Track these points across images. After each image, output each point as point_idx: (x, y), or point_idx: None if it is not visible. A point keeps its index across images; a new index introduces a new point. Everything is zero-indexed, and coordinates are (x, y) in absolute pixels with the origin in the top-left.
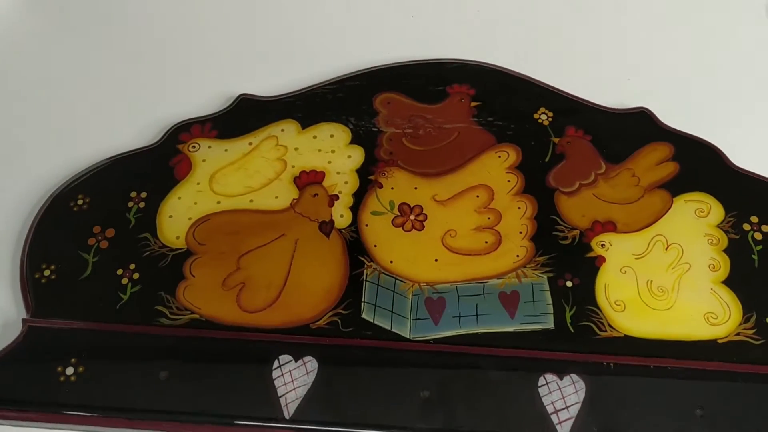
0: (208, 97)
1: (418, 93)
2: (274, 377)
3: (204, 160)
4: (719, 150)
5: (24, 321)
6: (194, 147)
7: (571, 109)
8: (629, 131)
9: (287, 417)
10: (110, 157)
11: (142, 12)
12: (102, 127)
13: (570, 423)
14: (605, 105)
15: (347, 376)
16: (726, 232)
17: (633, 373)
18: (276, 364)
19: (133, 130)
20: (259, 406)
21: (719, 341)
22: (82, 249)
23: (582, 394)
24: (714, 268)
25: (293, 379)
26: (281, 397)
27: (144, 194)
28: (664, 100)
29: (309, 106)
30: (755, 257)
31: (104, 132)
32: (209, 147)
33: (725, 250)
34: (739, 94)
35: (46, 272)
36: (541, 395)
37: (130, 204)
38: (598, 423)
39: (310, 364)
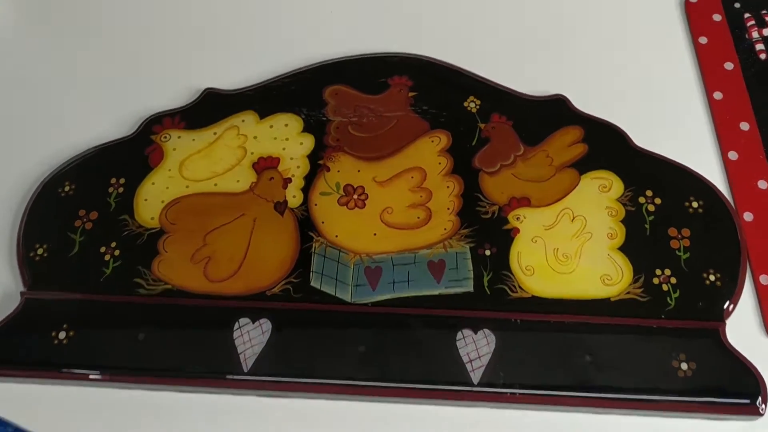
0: (177, 91)
1: (363, 84)
2: (234, 337)
3: (174, 149)
4: (623, 132)
5: (22, 294)
6: (166, 137)
7: (497, 97)
8: (546, 116)
9: (246, 370)
10: (92, 148)
11: (116, 17)
12: (83, 121)
13: (482, 370)
14: (527, 93)
15: (296, 335)
16: (624, 204)
17: (536, 327)
18: (236, 326)
19: (112, 122)
20: (222, 361)
21: (612, 299)
22: (69, 230)
23: (493, 346)
24: (612, 236)
25: (251, 338)
26: (240, 353)
27: (122, 180)
28: (580, 88)
29: (266, 98)
30: (647, 226)
31: (85, 125)
32: (179, 137)
33: (622, 221)
34: (646, 82)
35: (39, 251)
36: (458, 348)
37: (111, 189)
38: (505, 369)
39: (265, 325)
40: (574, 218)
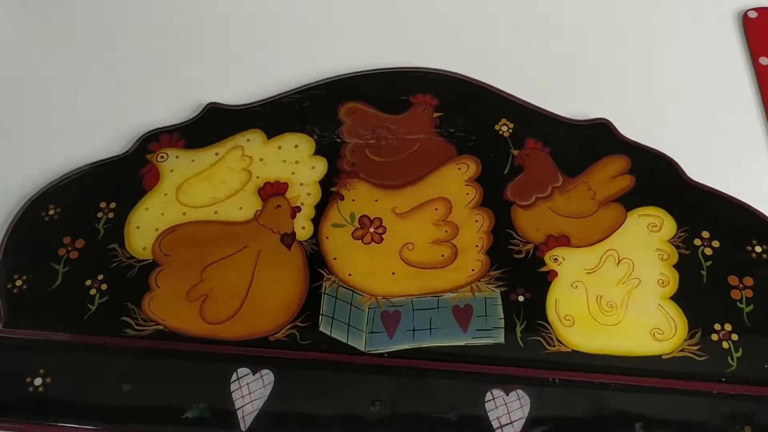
0: (176, 105)
1: (382, 102)
2: (232, 390)
3: (171, 171)
4: (675, 163)
5: None
6: (162, 157)
7: (532, 120)
8: (588, 143)
9: (243, 429)
10: (81, 167)
11: (115, 24)
12: (73, 136)
13: None
14: (566, 115)
15: (302, 389)
16: (677, 247)
17: (577, 388)
18: (234, 377)
19: (104, 138)
20: (217, 418)
21: (664, 357)
22: (52, 260)
23: (527, 410)
24: (663, 283)
25: (250, 392)
26: (238, 409)
27: (113, 205)
28: (625, 110)
29: (275, 115)
30: (704, 273)
31: (75, 140)
32: (177, 157)
33: (675, 266)
34: (701, 106)
35: (18, 282)
36: (487, 410)
37: (100, 215)
38: None
39: (267, 377)
40: (619, 261)
